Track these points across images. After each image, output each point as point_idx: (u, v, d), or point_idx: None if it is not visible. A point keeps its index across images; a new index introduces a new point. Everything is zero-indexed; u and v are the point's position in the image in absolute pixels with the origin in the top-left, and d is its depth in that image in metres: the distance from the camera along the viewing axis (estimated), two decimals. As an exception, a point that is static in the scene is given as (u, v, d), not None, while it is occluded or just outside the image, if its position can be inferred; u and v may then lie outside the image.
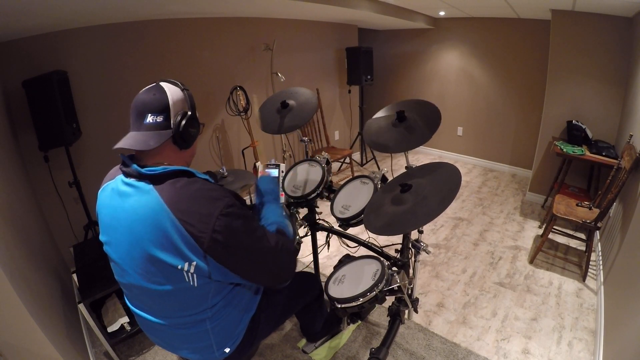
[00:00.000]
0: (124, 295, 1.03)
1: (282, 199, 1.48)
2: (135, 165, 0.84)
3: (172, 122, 0.86)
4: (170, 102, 0.86)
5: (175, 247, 0.80)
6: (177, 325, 0.94)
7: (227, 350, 1.03)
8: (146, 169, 0.84)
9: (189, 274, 0.83)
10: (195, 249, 0.80)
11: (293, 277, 1.02)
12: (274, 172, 1.50)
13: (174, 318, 0.93)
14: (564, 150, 2.64)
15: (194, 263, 0.81)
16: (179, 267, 0.81)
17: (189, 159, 0.98)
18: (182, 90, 0.90)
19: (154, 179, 0.83)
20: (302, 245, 1.60)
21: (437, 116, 1.43)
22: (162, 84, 0.89)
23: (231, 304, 0.99)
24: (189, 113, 0.88)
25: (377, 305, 1.92)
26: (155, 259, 0.81)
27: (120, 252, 0.88)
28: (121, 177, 0.88)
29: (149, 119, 0.84)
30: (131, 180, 0.85)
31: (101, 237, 0.93)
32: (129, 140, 0.84)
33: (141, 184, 0.83)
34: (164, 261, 0.81)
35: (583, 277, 2.23)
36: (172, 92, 0.88)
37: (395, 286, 1.17)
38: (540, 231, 2.85)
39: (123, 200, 0.85)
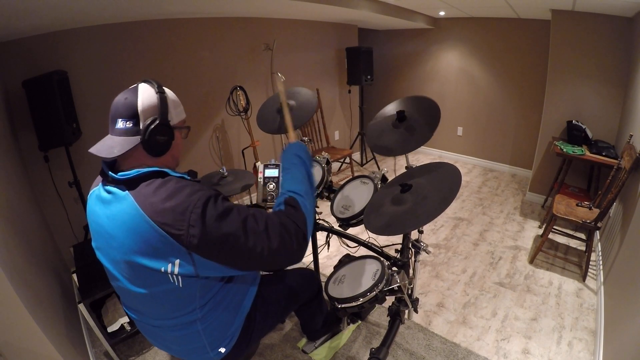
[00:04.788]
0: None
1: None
2: (109, 172, 0.84)
3: (141, 128, 0.84)
4: (140, 108, 0.83)
5: (156, 251, 0.79)
6: (168, 327, 0.95)
7: (223, 350, 1.02)
8: (119, 174, 0.83)
9: (173, 275, 0.82)
10: (177, 249, 0.78)
11: (295, 262, 0.91)
12: (274, 172, 1.50)
13: (164, 319, 0.94)
14: (564, 150, 2.64)
15: (177, 262, 0.80)
16: (162, 269, 0.80)
17: (170, 163, 0.94)
18: (157, 93, 0.86)
19: (128, 184, 0.83)
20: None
21: (436, 112, 1.43)
22: (140, 85, 0.87)
23: (221, 305, 0.98)
24: (157, 120, 0.84)
25: (377, 305, 1.93)
26: (137, 264, 0.81)
27: (107, 257, 0.89)
28: (102, 183, 0.88)
29: (119, 124, 0.83)
30: (109, 187, 0.85)
31: (92, 243, 0.94)
32: (98, 146, 0.83)
33: (117, 190, 0.83)
34: (146, 266, 0.80)
35: (583, 277, 2.23)
36: (145, 96, 0.84)
37: (395, 286, 1.17)
38: (540, 231, 2.85)
39: (104, 207, 0.85)
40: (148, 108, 0.84)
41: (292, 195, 0.95)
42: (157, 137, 0.85)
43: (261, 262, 0.85)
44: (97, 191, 0.89)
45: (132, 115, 0.83)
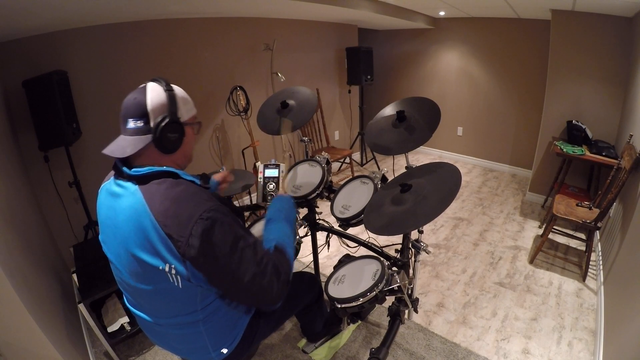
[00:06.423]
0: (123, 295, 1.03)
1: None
2: (123, 167, 0.86)
3: (152, 126, 0.85)
4: (149, 107, 0.84)
5: (155, 249, 0.80)
6: (170, 325, 0.95)
7: (225, 351, 1.02)
8: (133, 170, 0.85)
9: (172, 275, 0.82)
10: (174, 253, 0.79)
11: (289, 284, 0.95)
12: (274, 172, 1.50)
13: (165, 318, 0.94)
14: (564, 150, 2.64)
15: (173, 266, 0.81)
16: (160, 267, 0.81)
17: (181, 161, 0.95)
18: (165, 91, 0.87)
19: (140, 180, 0.84)
20: (302, 245, 1.60)
21: (436, 113, 1.43)
22: (149, 84, 0.88)
23: (223, 307, 0.97)
24: (167, 118, 0.85)
25: (377, 305, 1.92)
26: (138, 259, 0.82)
27: (113, 251, 0.90)
28: (114, 177, 0.90)
29: (131, 124, 0.84)
30: (121, 181, 0.87)
31: (99, 236, 0.95)
32: (112, 146, 0.85)
33: (129, 185, 0.85)
34: (146, 262, 0.81)
35: (583, 277, 2.23)
36: (154, 95, 0.86)
37: (395, 286, 1.17)
38: (540, 231, 2.85)
39: (114, 201, 0.87)
40: (157, 106, 0.85)
41: (279, 244, 0.97)
42: (168, 134, 0.86)
43: (244, 292, 0.86)
44: (108, 185, 0.90)
45: (142, 114, 0.84)
